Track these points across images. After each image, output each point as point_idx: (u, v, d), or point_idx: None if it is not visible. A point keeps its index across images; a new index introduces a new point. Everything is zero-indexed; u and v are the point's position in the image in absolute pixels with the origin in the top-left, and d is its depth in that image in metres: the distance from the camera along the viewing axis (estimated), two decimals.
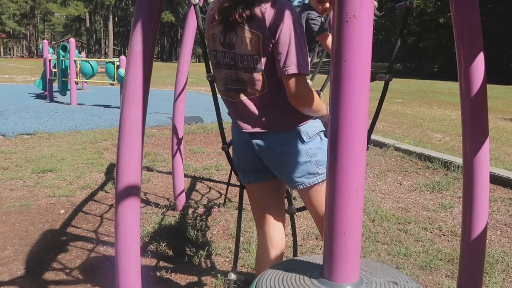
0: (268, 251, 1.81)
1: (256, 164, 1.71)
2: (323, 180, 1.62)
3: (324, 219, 1.65)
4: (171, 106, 3.74)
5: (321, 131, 1.66)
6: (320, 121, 1.67)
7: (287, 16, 1.45)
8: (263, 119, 1.59)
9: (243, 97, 1.58)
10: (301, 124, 1.60)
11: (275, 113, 1.58)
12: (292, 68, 1.45)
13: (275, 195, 1.82)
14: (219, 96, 1.75)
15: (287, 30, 1.45)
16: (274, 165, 1.67)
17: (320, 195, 1.65)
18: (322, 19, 2.70)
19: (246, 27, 1.48)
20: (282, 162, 1.63)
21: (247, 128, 1.63)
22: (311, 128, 1.62)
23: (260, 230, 1.85)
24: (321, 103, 1.59)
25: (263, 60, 1.50)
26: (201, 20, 1.75)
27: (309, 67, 1.56)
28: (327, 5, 2.58)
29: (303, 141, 1.60)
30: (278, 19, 1.45)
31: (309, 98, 1.52)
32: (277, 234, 1.82)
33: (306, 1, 2.81)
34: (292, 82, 1.47)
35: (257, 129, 1.61)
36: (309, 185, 1.63)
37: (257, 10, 1.47)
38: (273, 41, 1.46)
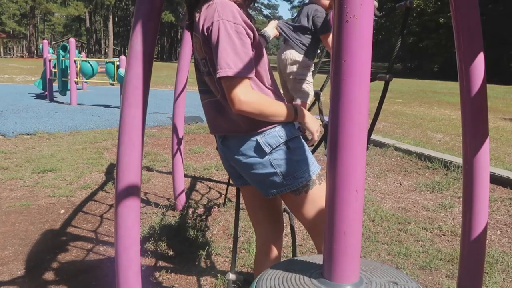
0: (264, 251, 1.80)
1: (237, 170, 1.67)
2: (293, 190, 1.56)
3: (305, 224, 1.65)
4: (171, 106, 3.74)
5: (291, 139, 1.55)
6: (287, 129, 1.56)
7: (216, 15, 1.38)
8: (224, 122, 1.56)
9: (208, 99, 1.58)
10: (262, 130, 1.51)
11: (233, 116, 1.52)
12: (220, 71, 1.35)
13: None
14: None
15: (215, 30, 1.37)
16: (244, 175, 1.63)
17: (292, 203, 1.61)
18: (329, 16, 2.70)
19: (194, 32, 1.50)
20: (248, 173, 1.58)
21: (213, 131, 1.64)
22: (274, 139, 1.52)
23: (256, 230, 1.85)
24: (277, 109, 1.47)
25: (209, 63, 1.47)
26: None
27: (254, 69, 1.42)
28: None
29: (265, 153, 1.52)
30: (208, 20, 1.40)
31: (249, 104, 1.38)
32: (272, 234, 1.80)
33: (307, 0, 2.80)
34: (225, 86, 1.37)
35: (220, 133, 1.60)
36: (277, 194, 1.59)
37: (197, 14, 1.46)
38: (208, 44, 1.42)
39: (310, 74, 2.91)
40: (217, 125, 1.60)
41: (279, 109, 1.48)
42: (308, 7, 2.72)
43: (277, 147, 1.52)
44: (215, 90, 1.53)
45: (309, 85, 2.86)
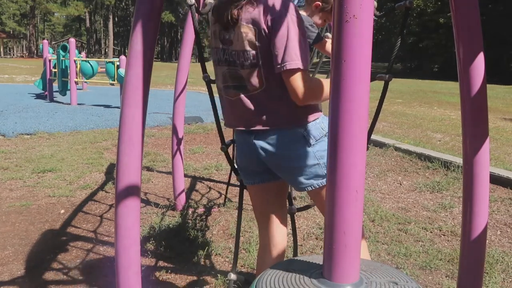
0: (270, 251, 1.79)
1: (261, 167, 1.66)
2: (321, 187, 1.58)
3: None
4: (171, 106, 3.74)
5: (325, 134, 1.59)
6: (327, 120, 1.63)
7: (284, 9, 1.41)
8: (263, 116, 1.54)
9: (242, 95, 1.55)
10: (305, 123, 1.54)
11: (276, 110, 1.53)
12: (291, 63, 1.39)
13: (278, 195, 1.79)
14: (216, 96, 1.74)
15: (284, 24, 1.40)
16: (280, 169, 1.62)
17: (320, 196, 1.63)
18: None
19: (243, 22, 1.47)
20: (289, 166, 1.58)
21: (247, 127, 1.60)
22: (318, 130, 1.55)
23: (262, 230, 1.83)
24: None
25: (260, 55, 1.47)
26: (197, 21, 1.75)
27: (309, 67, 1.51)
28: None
29: (309, 144, 1.54)
30: (274, 12, 1.41)
31: (314, 92, 1.45)
32: (279, 234, 1.80)
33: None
34: (292, 78, 1.42)
35: (258, 127, 1.57)
36: (318, 187, 1.60)
37: (253, 4, 1.46)
38: (270, 35, 1.43)
39: None
40: (254, 120, 1.56)
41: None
42: None
43: (320, 138, 1.55)
44: (257, 83, 1.51)
45: None
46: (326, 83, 1.52)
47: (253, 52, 1.47)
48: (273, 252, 1.79)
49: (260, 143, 1.59)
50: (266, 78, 1.49)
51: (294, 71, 1.41)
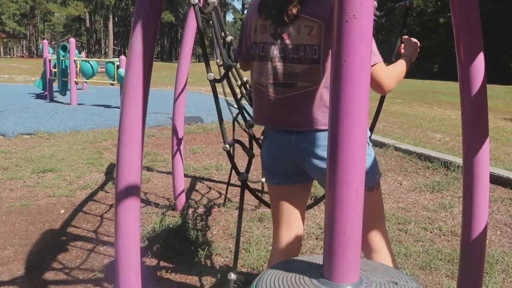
0: (286, 253, 1.69)
1: (292, 168, 1.60)
2: (370, 187, 1.50)
3: (369, 224, 1.53)
4: (171, 106, 3.74)
5: (369, 137, 1.55)
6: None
7: None
8: (310, 116, 1.48)
9: (291, 93, 1.49)
10: None
11: (324, 110, 1.46)
12: (373, 59, 1.38)
13: (302, 197, 1.71)
14: (219, 96, 1.74)
15: None
16: (318, 172, 1.53)
17: (367, 199, 1.59)
18: None
19: (305, 16, 1.42)
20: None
21: (290, 126, 1.52)
22: None
23: (280, 230, 1.71)
24: (402, 68, 1.54)
25: (324, 50, 1.42)
26: (200, 20, 1.74)
27: None
28: None
29: None
30: None
31: (394, 78, 1.48)
32: (297, 236, 1.71)
33: None
34: (374, 73, 1.39)
35: (302, 127, 1.51)
36: None
37: None
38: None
39: None
40: (299, 119, 1.50)
41: (401, 66, 1.55)
42: None
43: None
44: (313, 80, 1.46)
45: None
46: (396, 65, 1.56)
47: (316, 47, 1.42)
48: (289, 255, 1.66)
49: (301, 143, 1.52)
50: (324, 74, 1.45)
51: (375, 65, 1.40)
